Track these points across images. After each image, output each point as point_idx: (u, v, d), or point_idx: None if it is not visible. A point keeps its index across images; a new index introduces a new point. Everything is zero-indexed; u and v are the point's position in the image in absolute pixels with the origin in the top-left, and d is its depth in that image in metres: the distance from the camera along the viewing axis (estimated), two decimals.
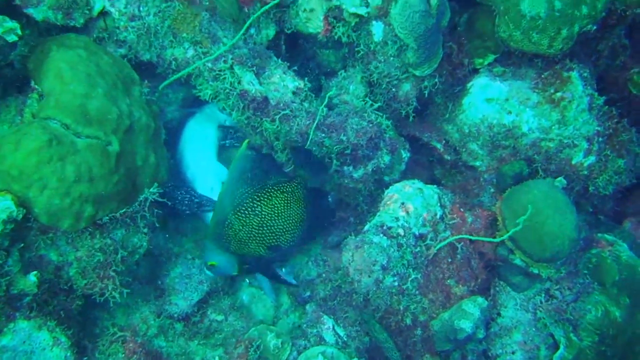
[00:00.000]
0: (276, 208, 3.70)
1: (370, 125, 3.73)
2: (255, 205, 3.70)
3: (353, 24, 3.63)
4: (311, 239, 4.22)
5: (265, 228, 3.72)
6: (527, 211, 3.46)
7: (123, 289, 3.21)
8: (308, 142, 3.68)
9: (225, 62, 3.61)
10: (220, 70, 3.64)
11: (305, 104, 3.71)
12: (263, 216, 3.72)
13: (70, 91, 3.02)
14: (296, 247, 4.12)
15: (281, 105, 3.66)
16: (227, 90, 3.66)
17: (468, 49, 4.03)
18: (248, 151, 3.73)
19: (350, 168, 3.89)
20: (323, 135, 3.67)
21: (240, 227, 3.68)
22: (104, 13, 3.64)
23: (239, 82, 3.62)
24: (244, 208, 3.67)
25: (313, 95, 3.79)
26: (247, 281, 4.15)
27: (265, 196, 3.73)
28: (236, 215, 3.67)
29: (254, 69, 3.67)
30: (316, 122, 3.62)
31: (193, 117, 4.47)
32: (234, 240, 3.70)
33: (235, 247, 3.71)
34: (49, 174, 2.87)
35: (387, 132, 3.87)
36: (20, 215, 2.84)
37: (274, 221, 3.75)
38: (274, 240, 3.75)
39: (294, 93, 3.69)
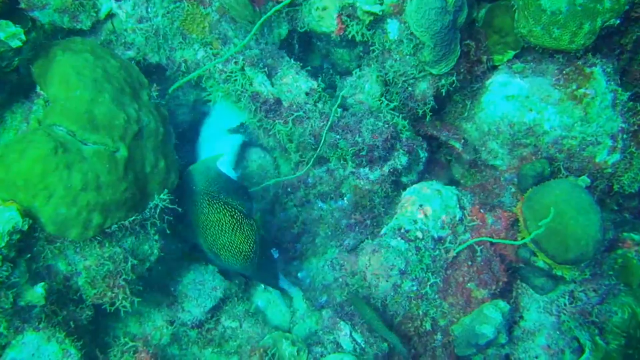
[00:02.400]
0: (221, 224, 3.47)
1: (386, 125, 3.66)
2: (206, 207, 3.50)
3: (367, 22, 3.55)
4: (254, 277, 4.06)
5: (208, 231, 3.54)
6: (550, 213, 3.37)
7: (134, 298, 3.14)
8: (321, 144, 3.60)
9: (236, 63, 3.55)
10: (231, 72, 3.58)
11: (319, 105, 3.64)
12: (209, 221, 3.50)
13: (76, 97, 2.95)
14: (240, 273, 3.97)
15: (294, 106, 3.59)
16: (239, 92, 3.60)
17: (486, 46, 3.96)
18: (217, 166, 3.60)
19: (366, 170, 3.83)
20: (338, 136, 3.60)
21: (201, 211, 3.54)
22: (111, 15, 3.60)
23: (251, 84, 3.57)
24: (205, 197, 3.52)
25: (327, 96, 3.71)
26: (263, 286, 4.09)
27: (216, 206, 3.49)
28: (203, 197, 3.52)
29: (266, 70, 3.61)
30: (329, 123, 3.55)
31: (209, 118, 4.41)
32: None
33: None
34: (55, 182, 2.80)
35: (403, 132, 3.79)
36: (26, 226, 2.77)
37: (216, 233, 3.49)
38: (214, 248, 3.53)
39: (307, 94, 3.61)
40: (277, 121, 3.62)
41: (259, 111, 3.62)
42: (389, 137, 3.66)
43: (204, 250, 3.55)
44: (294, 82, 3.61)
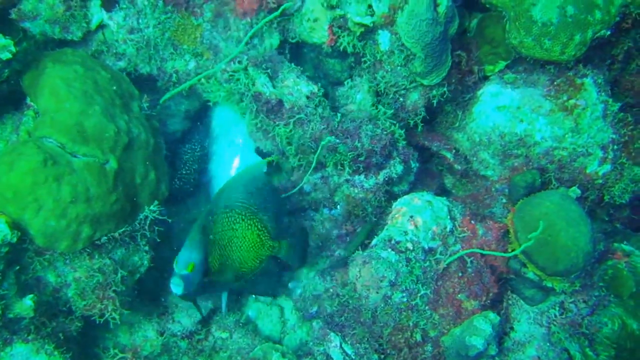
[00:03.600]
0: (246, 240, 3.36)
1: (385, 132, 3.67)
2: (236, 221, 3.36)
3: (358, 33, 3.55)
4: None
5: (228, 243, 3.37)
6: (539, 226, 3.36)
7: (123, 310, 3.14)
8: (319, 149, 3.59)
9: (240, 62, 3.54)
10: (234, 72, 3.56)
11: (319, 109, 3.64)
12: (235, 235, 3.36)
13: (66, 109, 2.96)
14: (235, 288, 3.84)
15: (295, 109, 3.59)
16: (241, 92, 3.58)
17: (478, 56, 3.96)
18: (266, 171, 3.57)
19: (362, 177, 3.83)
20: (338, 141, 3.59)
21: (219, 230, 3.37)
22: (102, 26, 3.60)
23: (253, 84, 3.55)
24: (229, 214, 3.38)
25: (326, 101, 3.71)
26: (253, 296, 4.08)
27: (248, 223, 3.37)
28: (223, 215, 3.37)
29: (269, 71, 3.60)
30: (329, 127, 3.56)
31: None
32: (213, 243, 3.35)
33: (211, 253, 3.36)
34: (45, 195, 2.80)
35: (399, 141, 3.79)
36: (15, 238, 2.77)
37: (235, 246, 3.36)
38: (236, 268, 3.41)
39: (307, 97, 3.61)
40: (278, 123, 3.60)
41: (260, 112, 3.60)
42: (387, 144, 3.69)
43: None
44: (295, 85, 3.60)
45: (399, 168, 3.90)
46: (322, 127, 3.60)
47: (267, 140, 3.87)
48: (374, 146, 3.61)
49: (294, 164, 3.86)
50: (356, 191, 3.87)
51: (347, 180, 3.87)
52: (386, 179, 3.88)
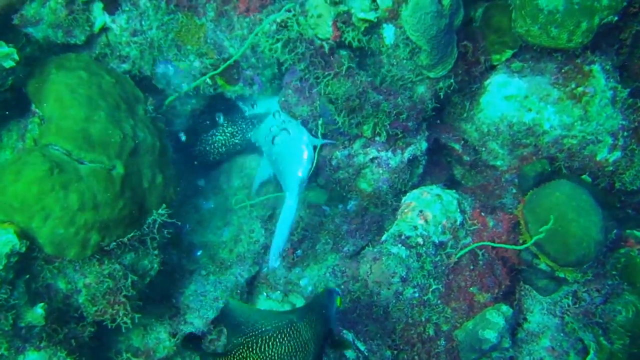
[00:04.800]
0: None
1: (420, 103, 3.74)
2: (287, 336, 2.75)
3: (363, 28, 3.51)
4: None
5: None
6: (550, 218, 3.35)
7: (134, 314, 3.14)
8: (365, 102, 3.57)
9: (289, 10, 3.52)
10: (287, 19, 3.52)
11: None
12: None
13: (70, 116, 2.95)
14: None
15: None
16: (295, 38, 3.55)
17: (484, 46, 3.92)
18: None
19: (389, 153, 3.82)
20: (381, 97, 3.57)
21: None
22: (105, 29, 3.58)
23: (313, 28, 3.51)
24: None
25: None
26: (265, 294, 4.08)
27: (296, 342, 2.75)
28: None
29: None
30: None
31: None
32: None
33: None
34: (52, 203, 2.80)
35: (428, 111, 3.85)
36: (24, 248, 2.77)
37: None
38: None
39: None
40: (328, 72, 3.56)
41: (311, 61, 3.57)
42: (423, 109, 3.75)
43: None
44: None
45: (424, 145, 3.94)
46: (369, 79, 3.58)
47: (304, 105, 3.83)
48: (415, 104, 3.69)
49: (339, 122, 3.76)
50: (380, 172, 3.87)
51: (372, 160, 3.89)
52: (411, 157, 3.90)
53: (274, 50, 3.53)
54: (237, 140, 4.54)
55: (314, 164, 3.90)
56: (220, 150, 4.54)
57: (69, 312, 3.12)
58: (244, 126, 4.54)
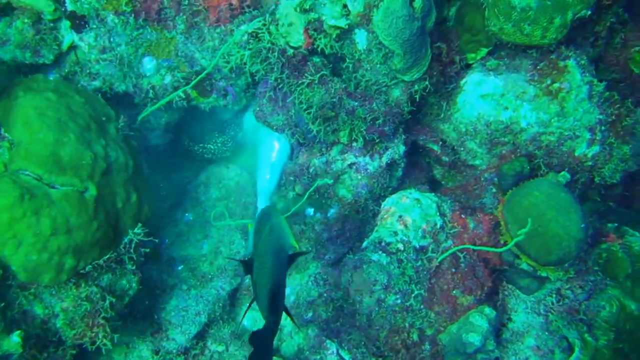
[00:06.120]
0: None
1: (396, 107, 3.72)
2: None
3: (334, 35, 3.49)
4: None
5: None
6: (529, 220, 3.34)
7: (114, 335, 3.12)
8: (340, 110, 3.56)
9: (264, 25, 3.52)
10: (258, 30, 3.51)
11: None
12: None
13: (40, 140, 2.91)
14: None
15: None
16: (267, 48, 3.53)
17: (459, 45, 3.90)
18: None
19: (367, 159, 3.80)
20: (356, 103, 3.55)
21: None
22: (74, 46, 3.54)
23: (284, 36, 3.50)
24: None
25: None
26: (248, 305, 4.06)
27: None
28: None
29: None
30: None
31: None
32: None
33: None
34: (23, 230, 2.77)
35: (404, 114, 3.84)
36: None
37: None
38: None
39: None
40: (301, 81, 3.54)
41: (285, 69, 3.56)
42: (399, 113, 3.74)
43: None
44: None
45: (402, 149, 3.93)
46: (343, 86, 3.58)
47: (279, 114, 3.82)
48: (391, 110, 3.67)
49: (314, 130, 3.75)
50: (359, 177, 3.85)
51: (350, 166, 3.87)
52: (389, 161, 3.90)
53: (245, 61, 3.50)
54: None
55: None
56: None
57: (48, 337, 3.10)
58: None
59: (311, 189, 3.82)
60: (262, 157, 4.32)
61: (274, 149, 4.26)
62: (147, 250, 3.31)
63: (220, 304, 3.90)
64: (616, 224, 3.94)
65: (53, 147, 2.92)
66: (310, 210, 4.23)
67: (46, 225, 2.81)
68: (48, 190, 2.87)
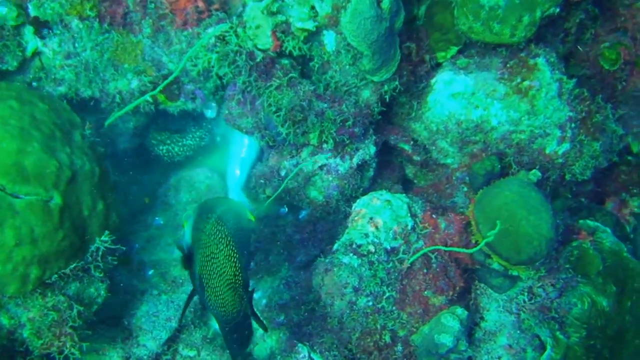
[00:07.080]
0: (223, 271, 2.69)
1: (366, 107, 3.74)
2: (222, 242, 2.75)
3: (302, 37, 3.47)
4: None
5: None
6: (497, 222, 3.36)
7: (83, 344, 3.09)
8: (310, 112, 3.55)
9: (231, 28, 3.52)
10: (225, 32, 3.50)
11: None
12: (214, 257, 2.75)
13: (2, 150, 2.87)
14: None
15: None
16: (235, 51, 3.52)
17: (429, 44, 3.90)
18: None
19: (338, 160, 3.79)
20: (325, 105, 3.54)
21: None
22: (38, 53, 3.51)
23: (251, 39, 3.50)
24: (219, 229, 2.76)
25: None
26: None
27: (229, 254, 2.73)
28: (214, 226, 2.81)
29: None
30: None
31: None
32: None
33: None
34: None
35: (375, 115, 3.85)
36: None
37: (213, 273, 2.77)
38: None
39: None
40: (269, 83, 3.53)
41: (252, 71, 3.55)
42: (368, 115, 3.74)
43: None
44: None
45: (372, 149, 3.92)
46: (312, 88, 3.58)
47: (248, 117, 3.80)
48: (361, 111, 3.68)
49: (285, 132, 3.73)
50: (330, 179, 3.84)
51: (321, 167, 3.87)
52: (360, 162, 3.89)
53: (213, 65, 3.48)
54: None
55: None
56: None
57: (15, 347, 3.07)
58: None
59: (280, 189, 3.80)
60: (232, 154, 4.34)
61: (243, 145, 4.29)
62: (115, 257, 3.27)
63: (192, 309, 3.87)
64: (587, 220, 3.96)
65: (16, 157, 2.88)
66: (285, 209, 4.22)
67: (10, 236, 2.78)
68: (12, 201, 2.83)
